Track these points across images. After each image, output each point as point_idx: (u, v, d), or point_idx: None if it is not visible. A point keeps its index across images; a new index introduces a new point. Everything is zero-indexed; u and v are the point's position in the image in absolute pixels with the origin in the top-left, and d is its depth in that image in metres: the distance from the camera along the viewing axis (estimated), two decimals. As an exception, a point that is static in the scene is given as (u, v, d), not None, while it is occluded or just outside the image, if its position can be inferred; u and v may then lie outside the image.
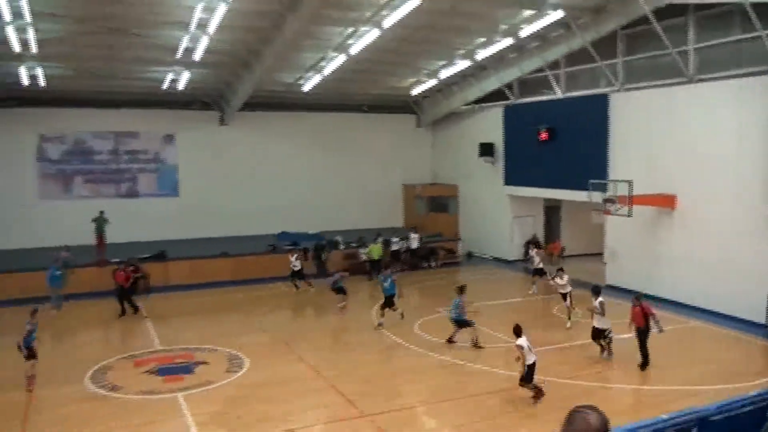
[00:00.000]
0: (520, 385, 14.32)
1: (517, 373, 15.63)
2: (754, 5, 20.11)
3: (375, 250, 29.82)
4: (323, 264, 29.36)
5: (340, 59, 27.92)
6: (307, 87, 32.92)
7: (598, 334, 17.58)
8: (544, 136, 29.75)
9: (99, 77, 30.00)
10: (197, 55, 25.82)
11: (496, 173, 33.68)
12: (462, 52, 29.60)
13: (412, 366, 17.69)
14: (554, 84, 30.06)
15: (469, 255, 35.38)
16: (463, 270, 32.66)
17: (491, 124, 33.93)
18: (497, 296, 22.21)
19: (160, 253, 29.21)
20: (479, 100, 34.89)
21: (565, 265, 31.18)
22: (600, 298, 17.57)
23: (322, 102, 36.72)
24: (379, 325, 21.30)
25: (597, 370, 17.00)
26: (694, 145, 22.90)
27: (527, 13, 24.66)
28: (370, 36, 24.62)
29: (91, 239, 29.35)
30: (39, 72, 27.71)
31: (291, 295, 26.58)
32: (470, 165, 35.63)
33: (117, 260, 26.99)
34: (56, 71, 28.44)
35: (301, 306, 26.02)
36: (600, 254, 29.39)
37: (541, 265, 26.28)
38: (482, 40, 27.95)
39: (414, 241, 32.51)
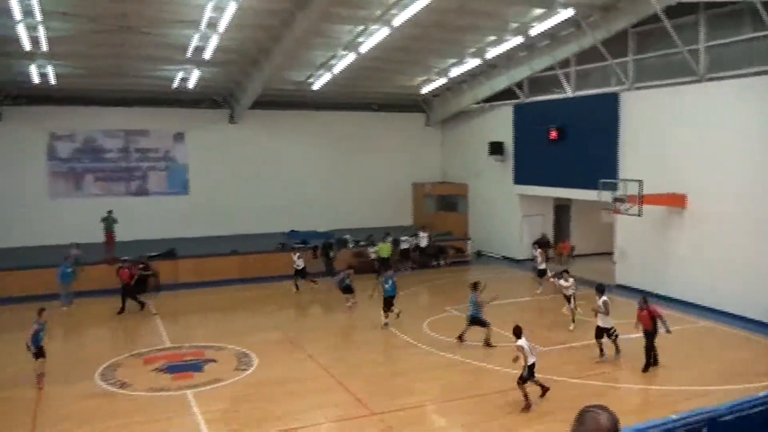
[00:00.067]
0: (518, 384, 14.18)
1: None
2: (765, 4, 20.04)
3: (384, 248, 29.80)
4: (331, 262, 29.36)
5: (350, 58, 27.92)
6: (317, 85, 32.94)
7: (601, 333, 17.46)
8: (553, 135, 29.66)
9: (109, 75, 30.11)
10: (207, 54, 25.87)
11: (505, 172, 33.61)
12: (472, 50, 29.56)
13: (420, 365, 17.68)
14: (564, 83, 29.98)
15: (479, 254, 35.31)
16: (472, 269, 32.59)
17: (501, 123, 33.86)
18: (506, 295, 22.16)
19: (170, 251, 29.28)
20: (489, 99, 34.82)
21: (574, 265, 31.27)
22: (604, 297, 17.47)
23: (331, 100, 36.73)
24: (386, 324, 21.29)
25: (605, 370, 16.93)
26: (705, 144, 22.80)
27: (537, 11, 24.61)
28: (380, 34, 24.61)
29: (101, 237, 29.56)
30: (49, 70, 27.82)
31: (300, 293, 26.55)
32: (480, 164, 35.58)
33: (126, 258, 27.10)
34: (66, 69, 28.54)
35: (309, 304, 26.04)
36: (610, 254, 29.30)
37: (543, 266, 26.19)
38: (492, 38, 27.90)
39: (423, 239, 32.48)
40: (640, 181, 22.86)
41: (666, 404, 14.16)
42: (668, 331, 16.72)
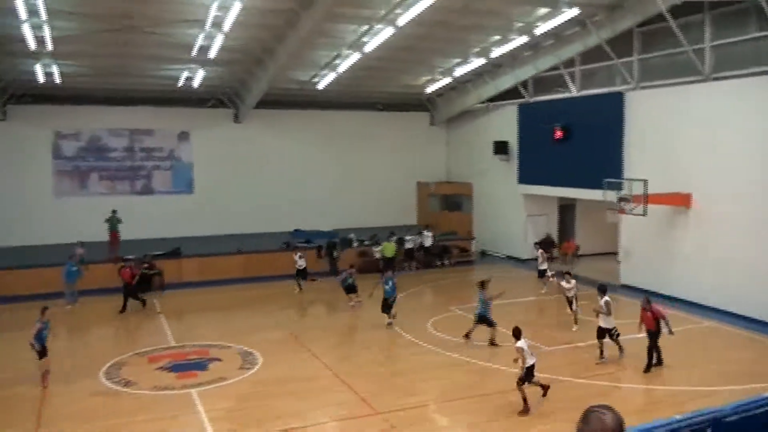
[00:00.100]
0: (517, 386, 14.09)
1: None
2: (772, 3, 19.98)
3: (388, 248, 29.79)
4: (335, 262, 29.36)
5: (355, 57, 27.93)
6: (321, 85, 32.96)
7: (603, 334, 17.36)
8: (558, 134, 29.62)
9: (114, 75, 30.23)
10: (212, 53, 25.91)
11: (510, 171, 33.58)
12: (477, 50, 29.54)
13: (424, 364, 17.67)
14: (569, 82, 29.95)
15: (483, 253, 35.30)
16: (477, 269, 32.57)
17: (506, 123, 33.84)
18: (511, 295, 22.10)
19: (175, 250, 29.33)
20: (494, 99, 34.81)
21: (579, 265, 31.26)
22: (606, 297, 17.39)
23: (336, 100, 36.77)
24: (389, 323, 21.29)
25: (609, 371, 16.89)
26: (710, 143, 22.74)
27: (542, 10, 24.57)
28: (384, 34, 24.60)
29: (106, 236, 29.69)
30: (54, 69, 27.91)
31: (303, 293, 26.54)
32: (484, 163, 35.56)
33: (131, 257, 27.17)
34: (72, 69, 28.64)
35: (314, 304, 26.05)
36: (614, 253, 29.27)
37: (543, 266, 26.18)
38: (497, 38, 27.88)
39: (427, 239, 32.46)
40: (645, 181, 22.84)
41: (670, 404, 14.14)
42: (670, 332, 16.68)
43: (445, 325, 21.34)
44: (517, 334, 14.41)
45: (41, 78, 28.54)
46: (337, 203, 37.13)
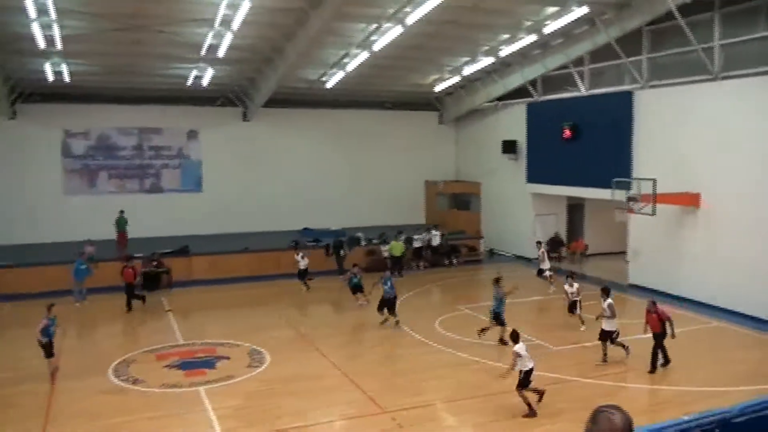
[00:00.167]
0: (517, 391, 13.94)
1: (536, 372, 15.71)
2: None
3: (396, 247, 29.79)
4: (342, 261, 29.37)
5: (363, 56, 27.93)
6: (330, 84, 32.97)
7: (606, 336, 17.19)
8: (567, 133, 29.56)
9: (123, 73, 30.33)
10: (221, 52, 25.95)
11: (519, 171, 33.53)
12: (485, 48, 29.50)
13: (432, 363, 17.66)
14: (578, 81, 29.86)
15: (491, 253, 35.27)
16: (485, 268, 32.53)
17: (514, 122, 33.79)
18: (518, 295, 22.05)
19: (183, 248, 29.41)
20: (502, 97, 34.76)
21: (587, 264, 31.27)
22: (609, 300, 17.23)
23: (344, 99, 36.79)
24: (396, 322, 21.29)
25: (617, 371, 16.85)
26: (719, 143, 22.66)
27: (551, 9, 24.52)
28: (393, 32, 24.59)
29: (114, 235, 29.84)
30: (64, 68, 28.02)
31: (312, 291, 26.57)
32: (493, 162, 35.52)
33: (140, 255, 27.31)
34: (81, 67, 28.75)
35: (321, 302, 26.04)
36: (623, 253, 29.19)
37: (543, 266, 26.13)
38: (506, 36, 27.84)
39: (436, 238, 32.44)
40: (653, 180, 22.76)
41: (678, 405, 14.09)
42: (672, 336, 16.52)
43: (453, 324, 21.33)
44: (515, 337, 14.26)
45: (50, 77, 28.66)
46: (345, 202, 37.16)
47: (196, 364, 17.66)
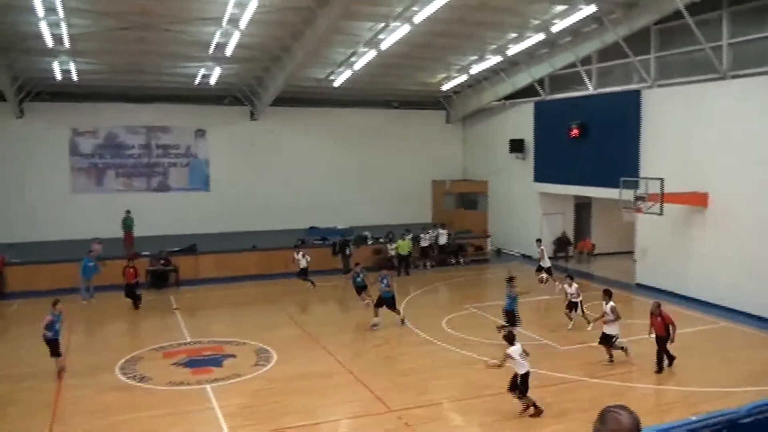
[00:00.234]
0: (519, 398, 13.81)
1: (543, 372, 15.70)
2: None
3: (403, 245, 29.79)
4: (348, 259, 29.36)
5: (371, 55, 27.90)
6: (337, 82, 32.96)
7: (607, 340, 17.02)
8: (575, 132, 29.51)
9: (131, 72, 30.40)
10: (229, 51, 25.95)
11: (526, 170, 33.49)
12: (493, 47, 29.46)
13: (439, 362, 17.65)
14: (586, 80, 29.78)
15: (498, 252, 35.23)
16: (492, 267, 32.53)
17: (522, 120, 33.75)
18: (526, 294, 22.11)
19: (191, 246, 29.48)
20: (510, 96, 34.72)
21: (594, 264, 31.20)
22: (611, 303, 17.02)
23: (352, 98, 36.80)
24: (402, 320, 21.26)
25: (624, 370, 16.79)
26: (727, 142, 22.58)
27: (559, 7, 24.45)
28: (400, 31, 24.54)
29: (122, 234, 29.95)
30: (72, 67, 28.09)
31: (316, 290, 26.57)
32: (500, 161, 35.49)
33: (147, 253, 27.44)
34: (89, 66, 28.81)
35: (328, 301, 26.06)
36: (630, 253, 29.12)
37: (542, 264, 26.06)
38: (514, 35, 27.79)
39: (443, 237, 32.42)
40: (661, 180, 22.68)
41: (685, 405, 14.05)
42: (672, 341, 16.41)
43: (460, 323, 21.32)
44: (510, 339, 14.00)
45: (58, 75, 28.73)
46: (352, 201, 37.19)
47: (203, 362, 17.69)
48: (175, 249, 28.81)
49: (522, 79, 32.70)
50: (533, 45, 28.53)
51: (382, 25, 24.87)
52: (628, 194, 23.94)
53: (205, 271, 28.71)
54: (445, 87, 36.34)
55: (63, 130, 33.14)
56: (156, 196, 34.65)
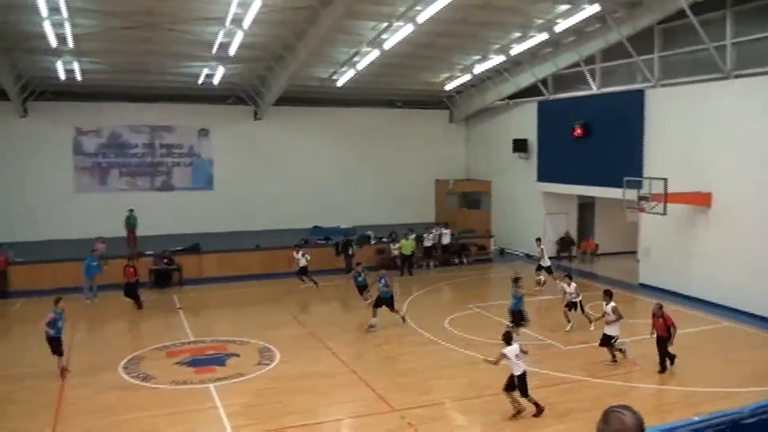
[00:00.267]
0: (524, 398, 13.64)
1: (546, 372, 15.69)
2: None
3: (406, 245, 29.77)
4: (350, 259, 29.36)
5: (374, 54, 27.91)
6: (341, 82, 32.97)
7: (607, 341, 16.93)
8: (578, 132, 29.48)
9: (135, 72, 30.45)
10: (232, 50, 25.99)
11: (529, 169, 33.47)
12: (497, 47, 29.45)
13: (442, 362, 17.64)
14: (589, 79, 29.75)
15: (501, 251, 35.21)
16: (495, 267, 32.54)
17: (525, 120, 33.73)
18: (528, 293, 22.07)
19: (194, 245, 29.51)
20: (514, 96, 34.71)
21: (598, 264, 31.16)
22: (612, 303, 16.90)
23: (355, 97, 36.82)
24: (402, 318, 21.23)
25: (627, 370, 16.78)
26: (731, 142, 22.55)
27: (563, 7, 24.44)
28: (404, 31, 24.56)
29: (125, 233, 30.00)
30: (75, 66, 28.13)
31: (319, 290, 26.58)
32: (504, 161, 35.48)
33: (150, 252, 27.48)
34: (92, 66, 28.86)
35: (331, 300, 26.07)
36: (634, 253, 29.09)
37: (541, 264, 26.04)
38: (517, 34, 27.78)
39: (446, 236, 32.40)
40: (665, 180, 22.65)
41: (687, 406, 14.03)
42: (671, 343, 16.35)
43: (463, 322, 21.32)
44: (506, 339, 13.86)
45: (62, 75, 28.79)
46: (356, 200, 37.21)
47: (206, 361, 17.71)
48: (179, 248, 28.85)
49: (525, 79, 32.70)
50: (536, 44, 28.54)
51: (386, 24, 24.89)
52: (631, 194, 23.90)
53: (208, 271, 28.73)
54: (449, 86, 36.34)
55: (66, 130, 33.20)
56: (159, 196, 34.71)
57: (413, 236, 30.50)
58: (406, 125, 38.98)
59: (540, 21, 25.95)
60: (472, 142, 40.13)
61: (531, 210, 33.67)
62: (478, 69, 32.64)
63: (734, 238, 22.50)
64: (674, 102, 25.09)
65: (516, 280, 19.65)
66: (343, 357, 18.00)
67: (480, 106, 37.37)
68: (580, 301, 20.46)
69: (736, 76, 22.74)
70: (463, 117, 39.76)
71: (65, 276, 25.41)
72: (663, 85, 25.92)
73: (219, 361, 17.68)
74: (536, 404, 13.69)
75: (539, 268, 26.12)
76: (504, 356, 13.55)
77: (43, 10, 20.54)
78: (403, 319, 21.25)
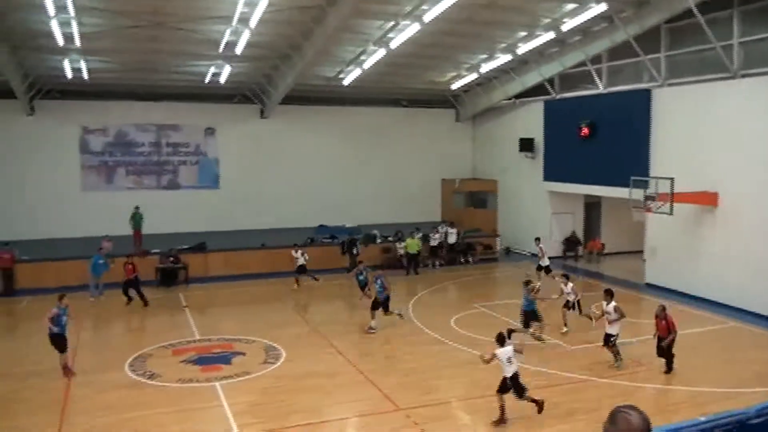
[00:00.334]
0: (521, 398, 13.51)
1: (553, 372, 15.70)
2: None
3: (412, 244, 29.76)
4: (355, 258, 29.35)
5: (380, 53, 27.89)
6: (347, 81, 32.97)
7: (608, 340, 16.86)
8: (585, 131, 29.43)
9: (142, 71, 30.51)
10: (239, 49, 26.00)
11: (535, 169, 33.44)
12: (503, 46, 29.41)
13: (448, 361, 17.63)
14: (596, 78, 29.70)
15: (507, 251, 35.17)
16: (501, 266, 32.53)
17: (532, 119, 33.70)
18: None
19: (200, 244, 29.56)
20: (520, 95, 34.67)
21: (604, 263, 31.11)
22: (613, 302, 16.77)
23: (362, 96, 36.81)
24: (399, 315, 21.05)
25: (633, 370, 16.73)
26: (738, 141, 22.48)
27: (569, 6, 24.39)
28: (410, 30, 24.55)
29: (131, 231, 30.06)
30: (82, 65, 28.18)
31: (324, 289, 26.60)
32: (510, 160, 35.45)
33: (156, 251, 27.55)
34: (99, 64, 28.91)
35: (337, 299, 26.08)
36: (640, 252, 29.02)
37: (545, 262, 25.98)
38: (523, 34, 27.74)
39: (452, 235, 32.38)
40: (671, 179, 22.59)
41: (693, 406, 14.01)
42: (667, 345, 16.21)
43: (469, 322, 21.31)
44: (499, 340, 13.73)
45: (69, 74, 28.83)
46: (362, 199, 37.22)
47: (212, 359, 17.75)
48: (185, 247, 28.91)
49: (532, 78, 32.66)
50: (543, 44, 28.49)
51: (392, 23, 24.88)
52: (638, 194, 23.85)
53: (214, 269, 28.79)
54: (455, 86, 36.32)
55: (73, 128, 33.28)
56: (166, 194, 34.77)
57: (420, 235, 30.48)
58: (412, 124, 38.97)
59: (546, 20, 25.91)
60: (479, 141, 40.10)
61: (537, 209, 33.64)
62: (485, 68, 32.60)
63: (741, 238, 22.44)
64: (681, 101, 25.03)
65: (527, 283, 19.57)
66: (349, 356, 18.02)
67: (486, 105, 37.34)
68: (578, 301, 20.25)
69: (743, 76, 22.68)
70: (469, 116, 39.74)
71: (72, 274, 25.45)
72: (670, 85, 25.86)
73: (225, 359, 17.72)
74: (535, 401, 13.58)
75: (539, 268, 26.09)
76: (495, 356, 13.47)
77: (51, 9, 20.57)
78: (400, 315, 21.06)
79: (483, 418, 13.91)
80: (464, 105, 39.34)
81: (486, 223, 36.63)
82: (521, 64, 32.19)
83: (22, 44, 25.55)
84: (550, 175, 32.58)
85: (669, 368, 16.27)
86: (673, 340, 16.17)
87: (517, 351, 13.79)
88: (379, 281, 20.88)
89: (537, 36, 27.50)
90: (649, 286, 26.16)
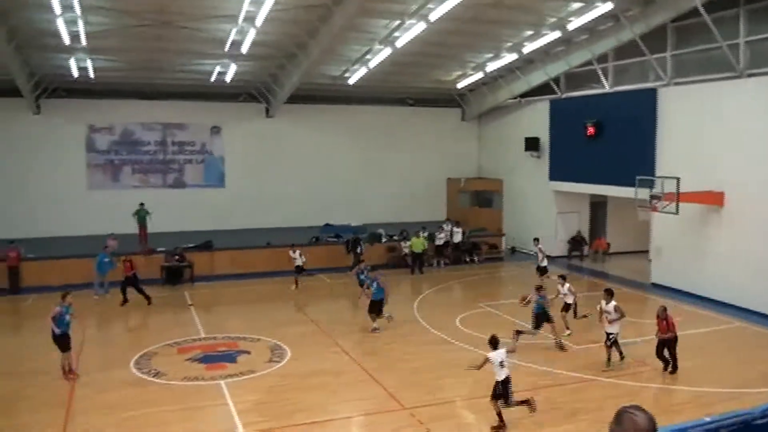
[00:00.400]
0: (493, 403, 13.33)
1: (559, 371, 15.67)
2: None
3: (417, 243, 29.74)
4: (359, 257, 29.35)
5: (386, 52, 27.89)
6: (353, 80, 32.98)
7: (608, 339, 16.77)
8: (590, 130, 29.37)
9: (148, 69, 30.57)
10: (244, 48, 26.03)
11: (541, 168, 33.39)
12: (509, 45, 29.39)
13: (453, 360, 17.55)
14: (602, 78, 29.65)
15: (513, 250, 35.14)
16: (506, 265, 32.50)
17: (537, 119, 33.65)
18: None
19: (206, 243, 29.62)
20: (526, 94, 34.63)
21: (610, 263, 31.04)
22: (613, 302, 16.68)
23: (367, 95, 36.82)
24: (388, 318, 20.61)
25: (637, 370, 16.71)
26: (744, 141, 22.42)
27: (575, 5, 24.35)
28: (416, 29, 24.54)
29: (137, 228, 30.09)
30: (88, 64, 28.26)
31: (329, 287, 26.62)
32: (515, 159, 35.42)
33: (162, 249, 27.60)
34: (105, 63, 28.98)
35: (342, 298, 26.07)
36: (645, 252, 28.97)
37: (544, 263, 25.90)
38: (529, 33, 27.72)
39: (457, 235, 32.36)
40: (677, 179, 22.54)
41: (697, 406, 13.98)
42: (661, 344, 16.15)
43: (474, 321, 21.28)
44: (492, 343, 13.59)
45: (75, 72, 28.90)
46: (367, 198, 37.26)
47: (218, 357, 17.78)
48: (190, 245, 28.98)
49: (537, 77, 32.62)
50: (549, 43, 28.45)
51: (398, 22, 24.87)
52: (643, 193, 23.78)
53: (219, 268, 28.85)
54: (461, 85, 36.30)
55: (79, 127, 33.36)
56: (171, 193, 34.84)
57: (425, 234, 30.46)
58: (417, 123, 38.97)
59: (552, 19, 25.88)
60: (484, 140, 40.07)
61: (543, 209, 33.60)
62: (491, 67, 32.59)
63: (747, 237, 22.38)
64: (687, 101, 24.97)
65: (538, 289, 19.47)
66: (354, 355, 18.04)
67: (492, 104, 37.31)
68: (575, 303, 20.09)
69: (750, 75, 22.62)
70: (475, 115, 39.71)
71: (77, 272, 25.49)
72: (676, 84, 25.80)
73: (230, 357, 17.75)
74: (523, 402, 13.32)
75: (539, 268, 26.03)
76: (488, 360, 13.36)
77: (57, 8, 20.62)
78: (389, 318, 20.68)
79: (488, 417, 13.88)
80: (470, 104, 39.31)
81: (491, 223, 36.63)
82: (527, 63, 32.16)
83: (28, 43, 25.62)
84: (555, 174, 32.53)
85: (674, 369, 16.23)
86: (674, 341, 16.12)
87: (510, 351, 13.67)
88: (375, 283, 20.68)
89: (543, 35, 27.48)
90: (655, 285, 26.11)
